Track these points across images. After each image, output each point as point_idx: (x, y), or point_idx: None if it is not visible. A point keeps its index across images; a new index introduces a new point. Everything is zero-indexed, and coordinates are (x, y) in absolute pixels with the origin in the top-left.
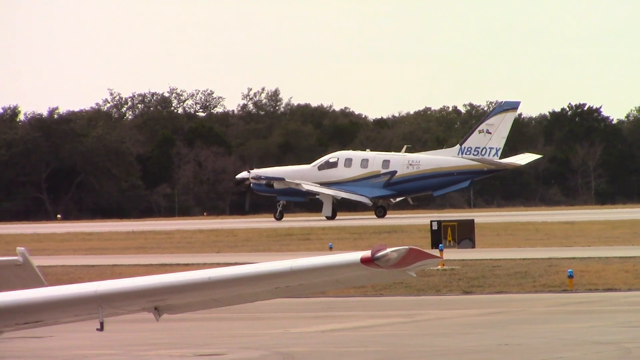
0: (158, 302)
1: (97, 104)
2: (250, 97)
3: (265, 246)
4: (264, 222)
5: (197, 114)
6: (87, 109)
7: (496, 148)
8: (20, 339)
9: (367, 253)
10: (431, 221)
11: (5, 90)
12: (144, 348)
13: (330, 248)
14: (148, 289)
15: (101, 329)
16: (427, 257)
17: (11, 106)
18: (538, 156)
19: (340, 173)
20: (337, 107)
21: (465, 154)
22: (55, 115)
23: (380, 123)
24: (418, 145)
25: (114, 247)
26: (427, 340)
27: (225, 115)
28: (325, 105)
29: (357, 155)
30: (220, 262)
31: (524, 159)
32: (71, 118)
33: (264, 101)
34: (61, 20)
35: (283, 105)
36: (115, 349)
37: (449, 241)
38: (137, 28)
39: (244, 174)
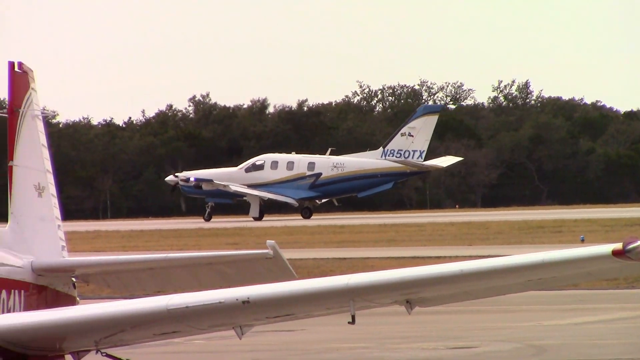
0: (410, 295)
1: (346, 96)
2: (501, 89)
3: (517, 239)
4: (514, 214)
5: (448, 106)
6: (337, 101)
7: (420, 150)
8: (272, 332)
9: (618, 245)
10: None
11: (255, 83)
12: (395, 341)
13: (582, 240)
14: (400, 282)
15: (353, 322)
16: None
17: (260, 99)
18: (459, 159)
19: (267, 175)
20: (588, 100)
21: (389, 156)
22: (305, 108)
23: (630, 115)
24: None
25: (365, 239)
26: None
27: (476, 107)
28: (576, 98)
29: (282, 157)
30: (472, 255)
31: (445, 161)
32: (321, 110)
33: (514, 93)
34: (310, 16)
35: (533, 97)
36: (367, 342)
37: None
38: (387, 20)
39: (171, 178)
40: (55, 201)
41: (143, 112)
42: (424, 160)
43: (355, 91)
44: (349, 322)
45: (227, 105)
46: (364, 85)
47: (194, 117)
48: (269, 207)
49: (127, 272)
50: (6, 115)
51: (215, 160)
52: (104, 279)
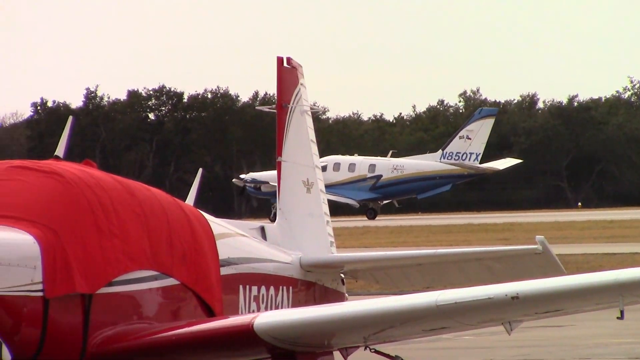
0: None
1: (617, 91)
2: None
3: None
4: None
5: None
6: (607, 96)
7: (476, 153)
8: (541, 328)
9: None
10: None
11: (524, 78)
12: None
13: None
14: None
15: (621, 317)
16: None
17: (530, 94)
18: (517, 161)
19: (329, 177)
20: None
21: (447, 158)
22: (575, 103)
23: None
24: None
25: (636, 234)
26: None
27: None
28: None
29: (345, 159)
30: None
31: (503, 164)
32: (591, 106)
33: None
34: (577, 10)
35: None
36: (635, 337)
37: None
38: None
39: (236, 180)
40: (324, 197)
41: (414, 107)
42: (480, 163)
43: (626, 86)
44: (617, 318)
45: (497, 100)
46: (634, 80)
47: (464, 113)
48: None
49: (395, 268)
50: (275, 110)
51: (484, 156)
52: (373, 275)
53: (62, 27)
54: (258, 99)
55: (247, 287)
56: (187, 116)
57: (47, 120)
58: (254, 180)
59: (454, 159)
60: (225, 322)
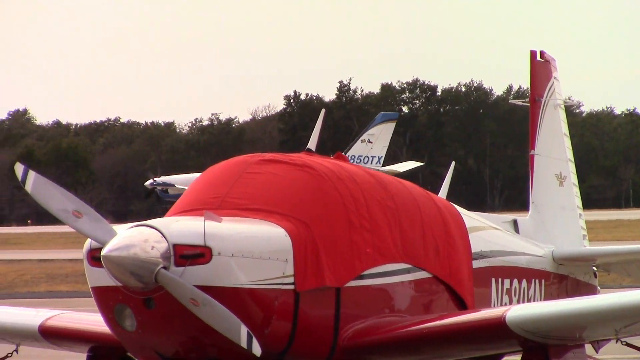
0: None
1: None
2: None
3: None
4: None
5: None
6: None
7: (378, 156)
8: None
9: None
10: None
11: None
12: None
13: None
14: None
15: None
16: None
17: None
18: (418, 164)
19: None
20: None
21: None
22: None
23: None
24: None
25: None
26: None
27: None
28: None
29: None
30: None
31: (404, 166)
32: None
33: None
34: None
35: None
36: None
37: None
38: None
39: (148, 182)
40: (576, 190)
41: None
42: (382, 166)
43: None
44: None
45: None
46: None
47: None
48: None
49: None
50: (528, 104)
51: None
52: (625, 268)
53: (314, 22)
54: (512, 92)
55: (500, 280)
56: (441, 109)
57: (299, 113)
58: (163, 183)
59: (356, 161)
60: (477, 315)
